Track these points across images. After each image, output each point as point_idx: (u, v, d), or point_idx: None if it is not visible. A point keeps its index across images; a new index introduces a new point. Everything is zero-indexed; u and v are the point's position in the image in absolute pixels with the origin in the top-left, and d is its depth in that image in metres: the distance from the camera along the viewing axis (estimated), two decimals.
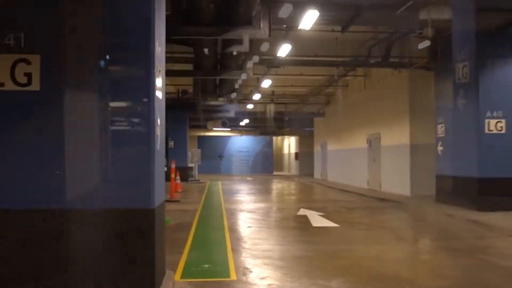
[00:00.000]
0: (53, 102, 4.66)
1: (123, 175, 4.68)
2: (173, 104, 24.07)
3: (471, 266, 6.39)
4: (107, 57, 4.74)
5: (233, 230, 9.25)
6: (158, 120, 4.87)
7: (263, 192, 20.68)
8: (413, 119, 15.69)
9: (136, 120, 4.74)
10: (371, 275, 5.84)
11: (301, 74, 18.23)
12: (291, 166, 41.29)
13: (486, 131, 11.52)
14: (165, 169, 12.59)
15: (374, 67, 15.85)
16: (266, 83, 17.87)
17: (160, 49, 5.01)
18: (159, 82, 4.94)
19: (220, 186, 22.76)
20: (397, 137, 16.75)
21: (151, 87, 4.69)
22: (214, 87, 16.64)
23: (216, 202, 15.06)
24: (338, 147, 25.01)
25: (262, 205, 14.20)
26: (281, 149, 46.70)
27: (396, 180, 16.82)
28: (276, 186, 24.91)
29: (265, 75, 17.18)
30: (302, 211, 12.22)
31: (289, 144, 42.94)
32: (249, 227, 9.75)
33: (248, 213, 12.00)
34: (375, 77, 18.87)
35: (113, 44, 4.74)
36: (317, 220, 10.57)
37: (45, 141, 4.63)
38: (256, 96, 21.37)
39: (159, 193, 5.01)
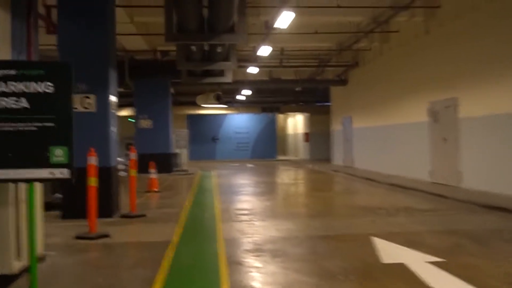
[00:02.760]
0: None
1: None
2: (149, 68, 17.68)
3: None
4: None
5: None
6: None
7: (278, 190, 14.31)
8: None
9: None
10: None
11: (338, 6, 11.60)
12: (298, 149, 34.89)
13: None
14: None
15: None
16: (282, 21, 11.12)
17: None
18: None
19: (214, 180, 16.35)
20: (498, 102, 10.32)
21: None
22: (200, 23, 9.99)
23: (209, 217, 8.63)
24: (371, 123, 18.56)
25: (290, 225, 7.79)
26: (283, 129, 40.25)
27: (495, 172, 10.43)
28: (291, 178, 18.46)
29: (281, 6, 10.54)
30: (384, 249, 5.88)
31: (295, 123, 36.52)
32: None
33: (273, 260, 5.58)
34: (447, 14, 12.34)
35: None
36: None
37: None
38: (263, 51, 14.71)
39: None
